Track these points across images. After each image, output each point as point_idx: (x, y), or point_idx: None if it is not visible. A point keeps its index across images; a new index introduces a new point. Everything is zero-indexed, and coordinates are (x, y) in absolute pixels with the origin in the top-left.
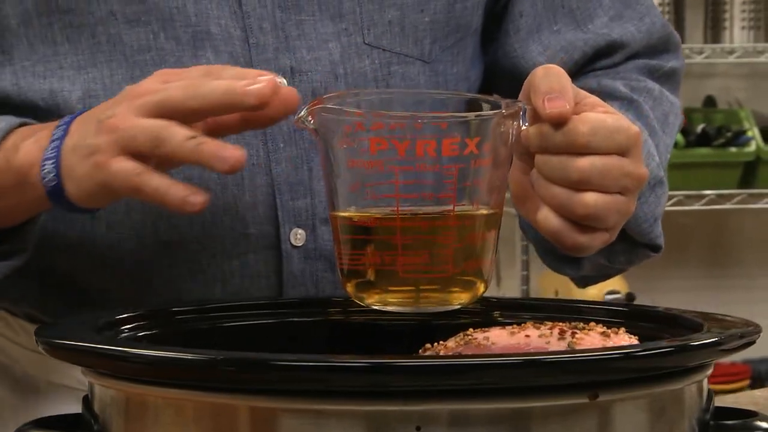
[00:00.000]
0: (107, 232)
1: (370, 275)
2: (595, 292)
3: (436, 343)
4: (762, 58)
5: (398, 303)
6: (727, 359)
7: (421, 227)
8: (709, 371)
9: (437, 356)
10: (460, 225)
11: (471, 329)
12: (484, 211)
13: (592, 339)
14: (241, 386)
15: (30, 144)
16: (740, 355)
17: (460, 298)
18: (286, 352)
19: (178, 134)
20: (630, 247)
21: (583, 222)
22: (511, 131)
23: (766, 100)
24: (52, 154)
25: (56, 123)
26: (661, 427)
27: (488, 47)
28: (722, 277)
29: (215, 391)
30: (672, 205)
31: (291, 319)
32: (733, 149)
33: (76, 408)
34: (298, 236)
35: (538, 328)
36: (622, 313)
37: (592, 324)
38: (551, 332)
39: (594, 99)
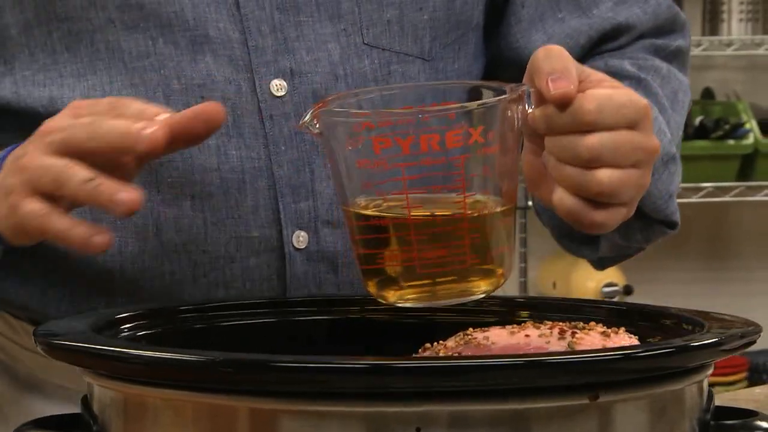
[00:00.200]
0: None
1: (389, 273)
2: (592, 285)
3: (435, 343)
4: (760, 51)
5: (419, 298)
6: None
7: (433, 221)
8: (710, 371)
9: (437, 357)
10: (472, 215)
11: (471, 329)
12: (497, 199)
13: (592, 339)
14: (240, 387)
15: None
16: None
17: (481, 288)
18: (285, 352)
19: (77, 175)
20: (646, 224)
21: (599, 199)
22: (516, 116)
23: (764, 93)
24: None
25: None
26: (661, 427)
27: (491, 40)
28: (720, 269)
29: (214, 392)
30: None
31: (290, 319)
32: (731, 142)
33: (79, 409)
34: (300, 239)
35: (538, 328)
36: (622, 313)
37: (592, 324)
38: (551, 332)
39: (599, 75)
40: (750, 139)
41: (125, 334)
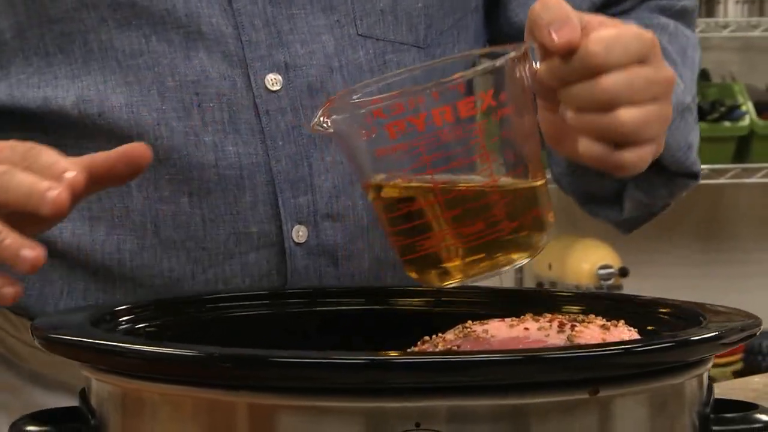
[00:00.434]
0: (107, 235)
1: (430, 257)
2: (588, 267)
3: (434, 336)
4: (756, 32)
5: (464, 276)
6: None
7: (464, 195)
8: (710, 364)
9: (436, 352)
10: (502, 182)
11: (470, 321)
12: (523, 162)
13: (592, 332)
14: (238, 383)
15: None
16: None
17: (525, 252)
18: (284, 344)
19: None
20: (668, 178)
21: (624, 140)
22: (525, 75)
23: (760, 74)
24: None
25: None
26: (661, 421)
27: (490, 20)
28: (716, 251)
29: (213, 388)
30: None
31: (289, 310)
32: (727, 123)
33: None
34: (300, 233)
35: (537, 321)
36: (621, 305)
37: (592, 317)
38: (550, 325)
39: (599, 18)
40: (746, 121)
41: (123, 327)
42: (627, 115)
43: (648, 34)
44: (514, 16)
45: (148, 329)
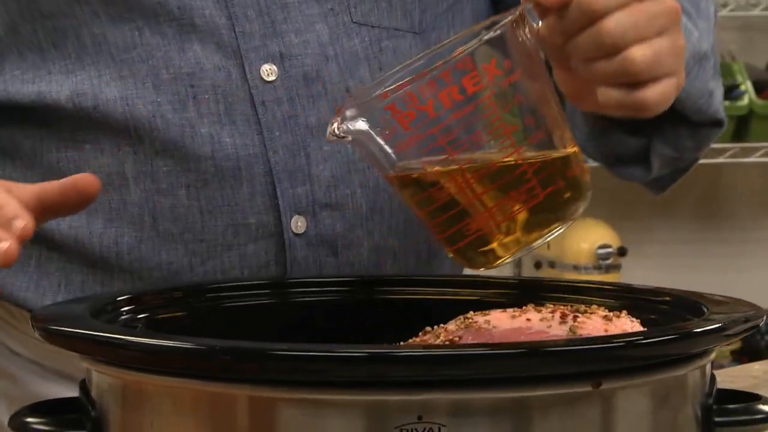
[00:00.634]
0: (104, 227)
1: (475, 241)
2: (586, 246)
3: (436, 326)
4: (755, 11)
5: (515, 249)
6: None
7: (490, 171)
8: (713, 355)
9: (438, 346)
10: (524, 149)
11: (471, 312)
12: (542, 125)
13: (594, 323)
14: (239, 376)
15: None
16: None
17: (566, 214)
18: (284, 334)
19: None
20: (693, 129)
21: (641, 78)
22: (526, 38)
23: (759, 53)
24: None
25: None
26: (664, 413)
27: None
28: (715, 229)
29: (214, 380)
30: None
31: (290, 300)
32: (726, 103)
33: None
34: (299, 224)
35: (540, 312)
36: (623, 296)
37: (594, 307)
38: (552, 316)
39: None
40: (745, 100)
41: (124, 317)
42: (637, 53)
43: None
44: None
45: (149, 320)
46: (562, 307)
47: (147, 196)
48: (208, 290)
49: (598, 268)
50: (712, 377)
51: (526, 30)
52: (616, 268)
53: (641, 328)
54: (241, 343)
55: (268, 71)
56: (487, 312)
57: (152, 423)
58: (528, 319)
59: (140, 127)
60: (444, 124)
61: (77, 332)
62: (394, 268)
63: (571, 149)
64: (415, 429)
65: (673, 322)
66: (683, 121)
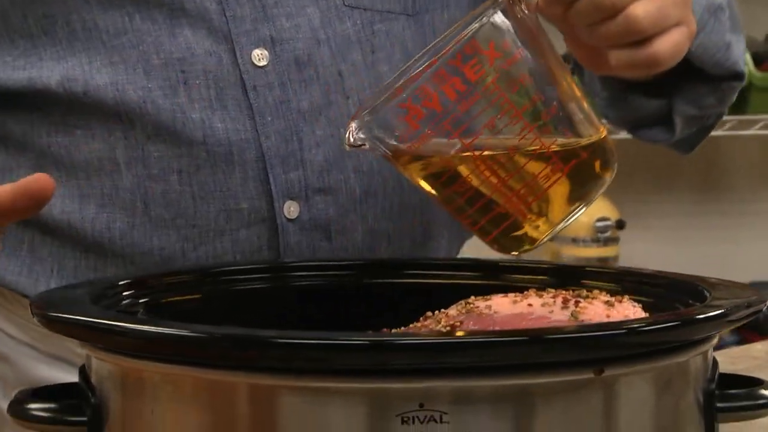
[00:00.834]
0: (96, 213)
1: (509, 227)
2: (585, 219)
3: (437, 311)
4: None
5: (543, 232)
6: None
7: (509, 157)
8: (715, 341)
9: (440, 333)
10: (537, 128)
11: (473, 297)
12: (554, 100)
13: (596, 308)
14: (239, 363)
15: None
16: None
17: (593, 186)
18: (284, 319)
19: None
20: (713, 86)
21: (648, 33)
22: (524, 14)
23: (758, 25)
24: None
25: None
26: (666, 399)
27: None
28: (714, 201)
29: (214, 368)
30: None
31: (290, 284)
32: None
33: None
34: (291, 209)
35: (541, 297)
36: (625, 280)
37: (596, 292)
38: (554, 301)
39: None
40: None
41: (125, 302)
42: (638, 9)
43: None
44: None
45: (150, 305)
46: (563, 292)
47: (139, 181)
48: (210, 274)
49: (596, 241)
50: (714, 362)
51: (523, 7)
52: (614, 241)
53: (643, 314)
54: (242, 330)
55: (260, 56)
56: (488, 297)
57: (153, 410)
58: (529, 305)
59: (131, 113)
60: (453, 116)
61: (77, 319)
62: (389, 251)
63: (589, 119)
64: (417, 417)
65: (675, 307)
66: (702, 78)
